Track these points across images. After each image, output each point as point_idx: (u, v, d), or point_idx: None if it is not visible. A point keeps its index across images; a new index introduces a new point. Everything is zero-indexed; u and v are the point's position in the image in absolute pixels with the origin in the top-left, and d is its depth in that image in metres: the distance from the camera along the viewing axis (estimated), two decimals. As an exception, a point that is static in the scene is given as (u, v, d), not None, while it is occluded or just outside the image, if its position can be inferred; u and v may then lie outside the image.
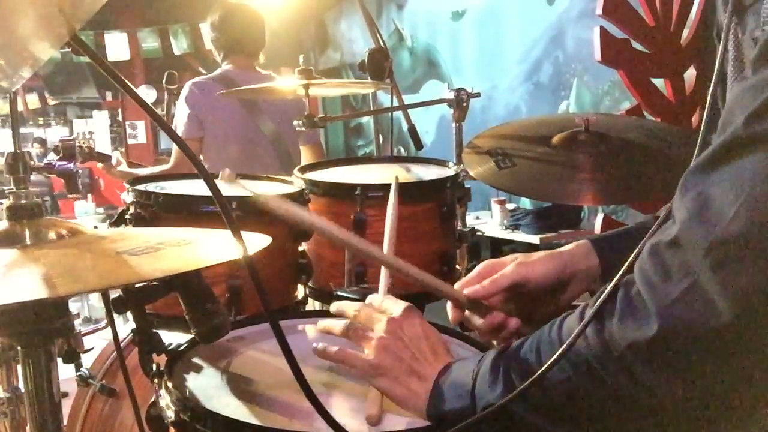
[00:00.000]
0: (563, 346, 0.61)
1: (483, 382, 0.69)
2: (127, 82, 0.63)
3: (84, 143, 2.55)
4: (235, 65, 2.67)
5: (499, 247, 3.92)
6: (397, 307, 0.83)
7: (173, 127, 2.55)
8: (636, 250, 0.60)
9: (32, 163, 0.88)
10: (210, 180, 0.65)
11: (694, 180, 0.56)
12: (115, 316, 0.92)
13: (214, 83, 2.57)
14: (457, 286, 0.93)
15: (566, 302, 0.93)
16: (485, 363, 0.71)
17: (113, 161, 2.64)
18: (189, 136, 2.53)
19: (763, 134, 0.52)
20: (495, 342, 0.93)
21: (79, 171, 1.46)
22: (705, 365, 0.54)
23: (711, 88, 0.62)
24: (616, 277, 0.61)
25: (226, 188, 1.46)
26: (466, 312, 0.92)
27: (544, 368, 0.62)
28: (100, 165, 2.63)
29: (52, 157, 1.84)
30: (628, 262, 0.61)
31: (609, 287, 0.61)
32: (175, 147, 2.66)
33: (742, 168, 0.52)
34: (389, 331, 0.80)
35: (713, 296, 0.52)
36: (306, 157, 2.74)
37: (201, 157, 2.57)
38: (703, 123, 0.61)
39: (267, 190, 1.44)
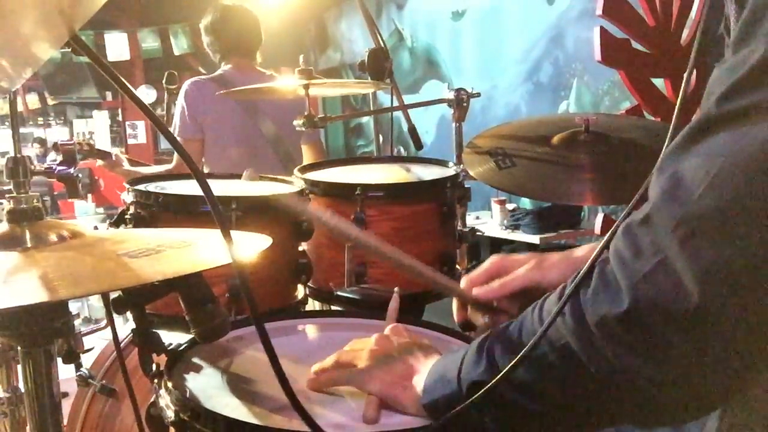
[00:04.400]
0: (543, 325, 0.61)
1: (468, 363, 0.70)
2: (125, 82, 0.63)
3: (84, 140, 2.55)
4: (234, 66, 2.66)
5: (499, 247, 3.92)
6: (384, 331, 0.85)
7: (173, 127, 2.56)
8: (611, 229, 0.60)
9: (32, 167, 0.88)
10: (203, 180, 0.65)
11: (668, 161, 0.56)
12: (115, 316, 0.92)
13: (213, 84, 2.56)
14: (464, 281, 0.91)
15: None
16: (471, 348, 0.71)
17: (113, 158, 2.63)
18: (186, 137, 2.53)
19: (733, 112, 0.52)
20: None
21: (79, 175, 1.45)
22: (674, 345, 0.54)
23: (687, 72, 0.61)
24: (592, 256, 0.61)
25: (241, 187, 1.46)
26: (470, 309, 0.92)
27: (526, 348, 0.62)
28: (100, 162, 2.62)
29: (52, 156, 1.84)
30: (603, 240, 0.61)
31: (586, 266, 0.61)
32: None
33: (713, 146, 0.52)
34: (378, 343, 0.82)
35: (681, 273, 0.52)
36: (307, 155, 2.73)
37: (203, 158, 2.57)
38: (677, 107, 0.61)
39: (267, 190, 1.44)
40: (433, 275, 0.89)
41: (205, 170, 2.50)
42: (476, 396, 0.65)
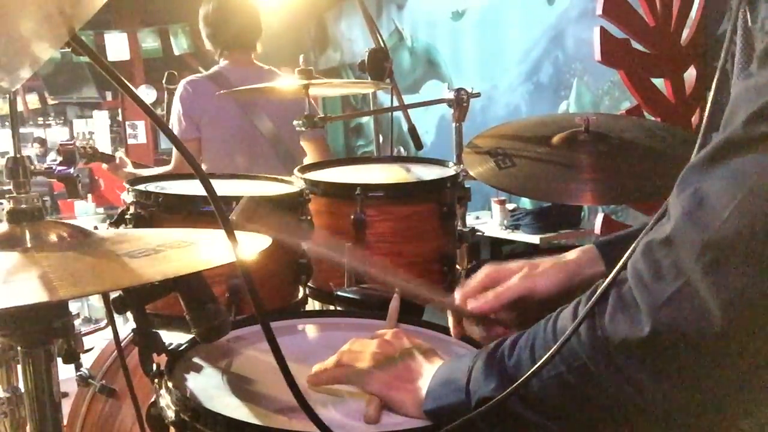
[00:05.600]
0: (557, 344, 0.61)
1: (477, 376, 0.69)
2: (126, 82, 0.63)
3: (87, 144, 2.52)
4: (232, 61, 2.58)
5: (499, 247, 3.92)
6: (386, 335, 0.85)
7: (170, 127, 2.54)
8: (632, 247, 0.60)
9: (32, 167, 0.88)
10: (206, 179, 0.65)
11: (691, 177, 0.55)
12: (115, 316, 0.92)
13: (209, 82, 2.51)
14: (458, 296, 0.91)
15: None
16: (480, 358, 0.71)
17: (117, 161, 2.59)
18: (182, 137, 2.47)
19: (762, 136, 0.51)
20: None
21: (79, 175, 1.45)
22: (696, 368, 0.54)
23: (714, 83, 0.60)
24: (611, 275, 0.60)
25: (242, 187, 1.46)
26: (466, 322, 0.91)
27: (538, 365, 0.62)
28: (105, 166, 2.60)
29: (52, 156, 1.84)
30: (623, 259, 0.60)
31: (603, 285, 0.60)
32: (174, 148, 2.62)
33: (739, 168, 0.51)
34: (380, 346, 0.82)
35: (705, 299, 0.51)
36: (311, 153, 2.66)
37: (200, 158, 2.53)
38: (705, 118, 0.59)
39: (267, 190, 1.44)
40: (426, 294, 0.89)
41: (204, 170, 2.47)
42: (485, 408, 0.65)
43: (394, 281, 0.90)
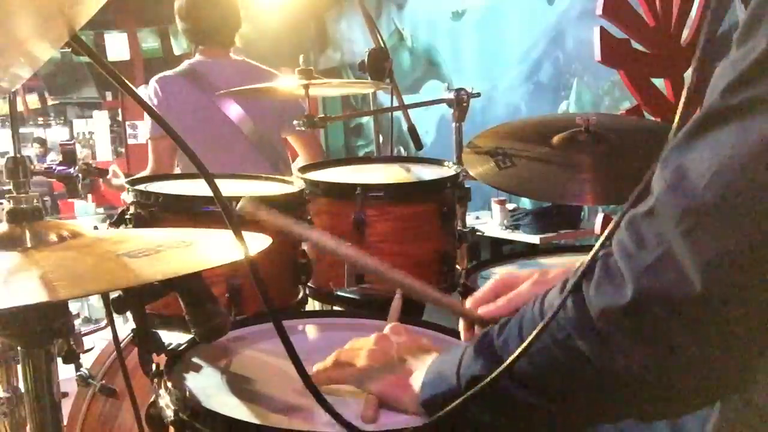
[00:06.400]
0: (546, 318, 0.62)
1: (467, 359, 0.70)
2: (126, 81, 0.63)
3: (81, 161, 2.36)
4: (208, 56, 2.42)
5: (499, 247, 3.92)
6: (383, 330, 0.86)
7: None
8: (614, 222, 0.61)
9: (32, 167, 0.88)
10: (210, 179, 0.65)
11: (673, 154, 0.56)
12: (115, 316, 0.92)
13: (181, 78, 2.37)
14: (470, 302, 0.91)
15: None
16: (471, 344, 0.71)
17: (110, 174, 2.41)
18: (155, 135, 2.32)
19: (737, 105, 0.52)
20: None
21: (79, 175, 1.45)
22: (678, 332, 0.54)
23: (694, 63, 0.61)
24: (594, 248, 0.61)
25: (240, 187, 1.45)
26: (477, 330, 0.91)
27: (527, 342, 0.62)
28: (101, 180, 2.52)
29: (52, 157, 1.83)
30: (605, 233, 0.61)
31: (588, 258, 0.61)
32: (150, 146, 2.37)
33: (717, 139, 0.53)
34: (377, 343, 0.83)
35: (684, 264, 0.52)
36: (301, 149, 2.54)
37: (177, 157, 2.37)
38: (682, 99, 0.60)
39: (266, 189, 1.44)
40: (436, 296, 0.89)
41: (178, 171, 2.28)
42: (475, 389, 0.65)
43: (404, 284, 0.90)
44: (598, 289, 0.59)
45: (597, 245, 0.61)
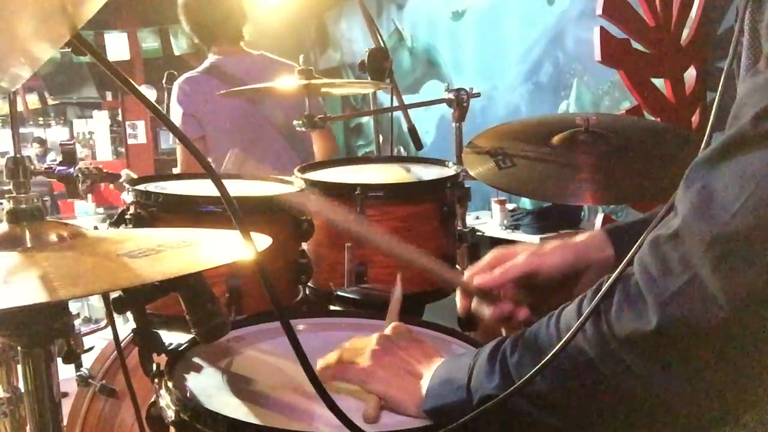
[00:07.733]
0: (562, 341, 0.61)
1: (479, 374, 0.69)
2: (130, 80, 0.63)
3: (91, 166, 2.33)
4: (222, 52, 2.47)
5: (499, 247, 3.91)
6: (385, 329, 0.85)
7: None
8: (638, 242, 0.60)
9: (32, 167, 0.88)
10: (217, 179, 0.65)
11: (698, 173, 0.55)
12: (115, 316, 0.92)
13: (204, 76, 2.41)
14: (467, 273, 0.92)
15: (579, 293, 0.93)
16: (481, 356, 0.71)
17: (123, 178, 2.48)
18: (189, 137, 2.40)
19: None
20: (503, 331, 0.92)
21: (79, 175, 1.45)
22: (702, 361, 0.54)
23: (722, 78, 0.60)
24: (617, 271, 0.60)
25: (241, 187, 1.45)
26: (475, 301, 0.92)
27: (543, 362, 0.62)
28: (112, 186, 2.53)
29: (52, 157, 1.83)
30: (629, 255, 0.60)
31: (609, 281, 0.60)
32: (180, 148, 2.47)
33: (748, 164, 0.52)
34: (380, 342, 0.82)
35: (713, 292, 0.52)
36: (317, 141, 2.55)
37: (207, 155, 2.41)
38: (712, 113, 0.60)
39: (266, 189, 1.44)
40: (435, 266, 0.89)
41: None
42: (487, 405, 0.65)
43: (404, 252, 0.90)
44: (619, 314, 0.58)
45: (621, 267, 0.60)
